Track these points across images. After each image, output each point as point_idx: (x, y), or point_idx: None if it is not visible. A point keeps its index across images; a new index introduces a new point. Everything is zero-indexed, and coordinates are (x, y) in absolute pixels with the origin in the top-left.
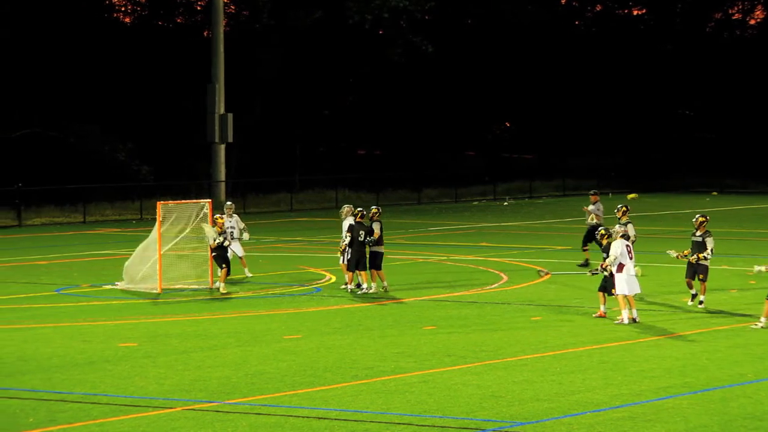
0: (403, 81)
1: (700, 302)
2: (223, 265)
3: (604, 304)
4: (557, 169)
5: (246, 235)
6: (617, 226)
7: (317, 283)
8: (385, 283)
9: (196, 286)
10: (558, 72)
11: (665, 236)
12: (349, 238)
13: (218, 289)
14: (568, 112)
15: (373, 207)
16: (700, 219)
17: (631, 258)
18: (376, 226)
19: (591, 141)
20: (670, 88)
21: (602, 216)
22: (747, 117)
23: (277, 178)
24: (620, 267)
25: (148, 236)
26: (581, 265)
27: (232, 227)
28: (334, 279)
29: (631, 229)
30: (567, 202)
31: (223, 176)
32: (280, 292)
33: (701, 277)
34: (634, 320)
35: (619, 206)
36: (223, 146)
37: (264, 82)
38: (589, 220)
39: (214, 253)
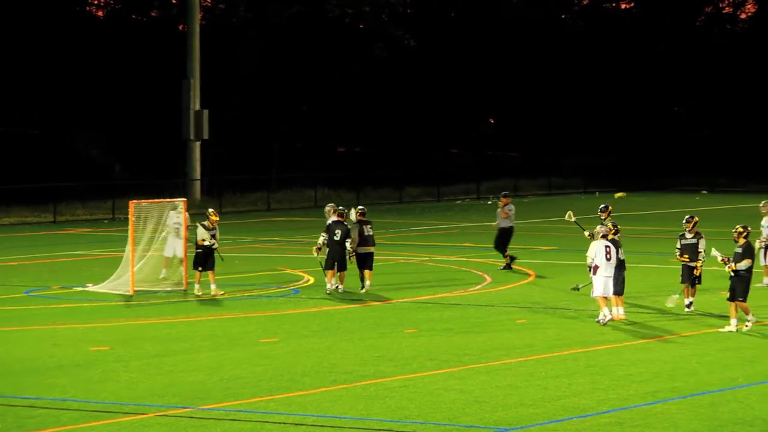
0: (385, 77)
1: (688, 306)
2: (200, 268)
3: (615, 305)
4: (543, 167)
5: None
6: (599, 226)
7: (295, 285)
8: (368, 283)
9: (170, 288)
10: (545, 68)
11: (653, 236)
12: (322, 238)
13: (196, 291)
14: (555, 109)
15: (360, 207)
16: (695, 219)
17: (609, 259)
18: (360, 228)
19: (578, 139)
20: (660, 85)
21: (512, 215)
22: (738, 114)
23: (255, 176)
24: (596, 269)
25: (122, 236)
26: (505, 267)
27: (178, 224)
28: (312, 280)
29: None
30: (553, 201)
31: (198, 174)
32: (256, 294)
33: (697, 281)
34: (611, 319)
35: (602, 206)
36: (198, 143)
37: (241, 77)
38: (501, 222)
39: (199, 250)
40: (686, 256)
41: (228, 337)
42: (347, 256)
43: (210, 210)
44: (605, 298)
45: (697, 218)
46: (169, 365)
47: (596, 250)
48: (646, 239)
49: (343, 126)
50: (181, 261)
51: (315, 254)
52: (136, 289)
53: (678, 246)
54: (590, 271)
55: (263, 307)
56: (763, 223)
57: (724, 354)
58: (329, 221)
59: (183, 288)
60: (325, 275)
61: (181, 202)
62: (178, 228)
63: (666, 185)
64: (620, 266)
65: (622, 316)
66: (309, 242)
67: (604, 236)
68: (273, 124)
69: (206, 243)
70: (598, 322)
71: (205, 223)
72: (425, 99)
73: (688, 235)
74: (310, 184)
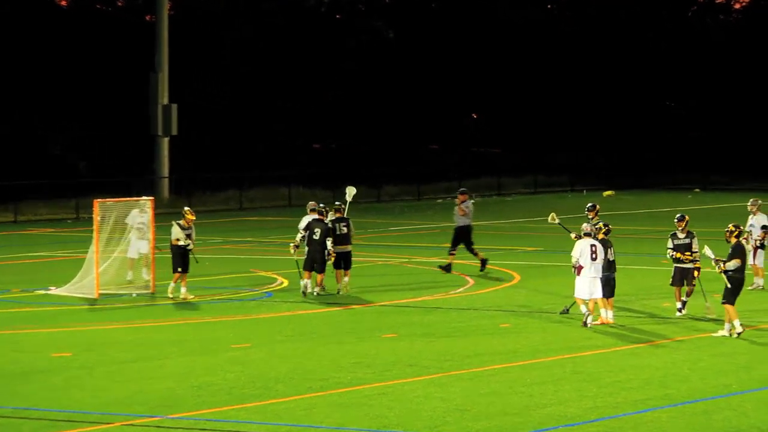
0: (363, 70)
1: (682, 309)
2: (180, 269)
3: (604, 308)
4: (528, 164)
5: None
6: (585, 225)
7: (268, 288)
8: (346, 279)
9: (138, 291)
10: (530, 59)
11: (643, 236)
12: (300, 235)
13: (170, 292)
14: (541, 103)
15: (336, 203)
16: (687, 218)
17: (594, 259)
18: (332, 227)
19: (565, 135)
20: (651, 80)
21: (469, 213)
22: (733, 111)
23: (226, 174)
24: (579, 269)
25: (86, 236)
26: (442, 267)
27: (142, 223)
28: (286, 283)
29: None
30: (538, 199)
31: (166, 172)
32: (228, 297)
33: (694, 282)
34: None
35: (590, 205)
36: (166, 139)
37: (212, 71)
38: (459, 220)
39: (180, 251)
40: (688, 254)
41: (198, 342)
42: (327, 257)
43: (186, 209)
44: (592, 300)
45: (688, 217)
46: (136, 372)
47: (581, 250)
48: (636, 239)
49: (318, 121)
50: (148, 262)
51: (292, 252)
52: (101, 292)
53: (670, 246)
54: (574, 271)
55: (235, 311)
56: (751, 221)
57: (718, 360)
58: (308, 219)
59: (151, 291)
60: (301, 276)
61: (148, 200)
62: (142, 228)
63: (657, 183)
64: (610, 267)
65: (611, 320)
66: (283, 243)
67: (588, 234)
68: (245, 120)
69: (181, 243)
70: (584, 325)
71: (181, 222)
72: (404, 92)
73: (681, 235)
74: (284, 182)
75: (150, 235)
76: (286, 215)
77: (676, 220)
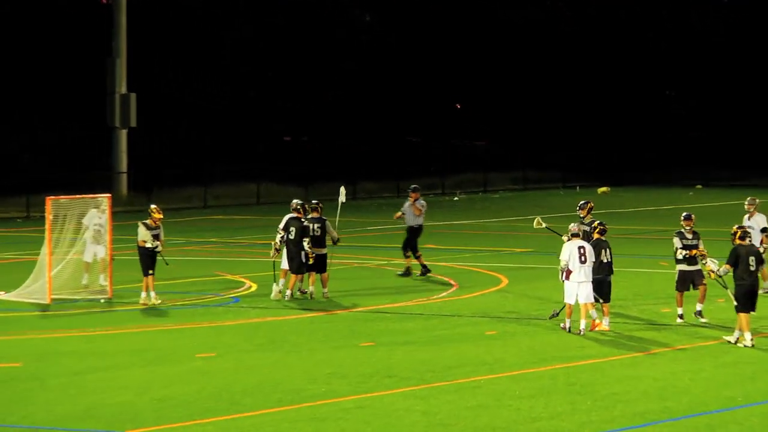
0: (339, 56)
1: (700, 315)
2: (150, 272)
3: (597, 314)
4: (516, 158)
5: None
6: (572, 225)
7: (235, 292)
8: (311, 289)
9: (93, 297)
10: (528, 59)
11: (641, 236)
12: (279, 236)
13: (143, 299)
14: (531, 93)
15: (314, 201)
16: (694, 217)
17: (584, 262)
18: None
19: (557, 127)
20: (650, 80)
21: (423, 212)
22: (733, 105)
23: (189, 169)
24: (568, 273)
25: (37, 237)
26: (402, 275)
27: (99, 224)
28: (254, 287)
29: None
30: (528, 196)
31: (125, 167)
32: (191, 303)
33: (704, 281)
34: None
35: (582, 202)
36: (125, 132)
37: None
38: (410, 220)
39: (152, 254)
40: (700, 250)
41: (159, 351)
42: (304, 258)
43: (152, 207)
44: (584, 306)
45: (694, 216)
46: (91, 384)
47: (569, 252)
48: (633, 239)
49: (289, 112)
50: (105, 266)
51: (271, 255)
52: (53, 297)
53: (679, 245)
54: (562, 275)
55: (199, 318)
56: (749, 222)
57: (722, 370)
58: (286, 218)
59: (108, 296)
60: (276, 279)
61: (105, 198)
62: (99, 230)
63: (656, 179)
64: (606, 270)
65: (606, 327)
66: (252, 244)
67: (576, 235)
68: (210, 111)
69: (148, 245)
70: (579, 333)
71: (147, 221)
72: (381, 81)
73: (689, 235)
74: (252, 178)
75: (108, 238)
76: (255, 213)
77: (683, 219)
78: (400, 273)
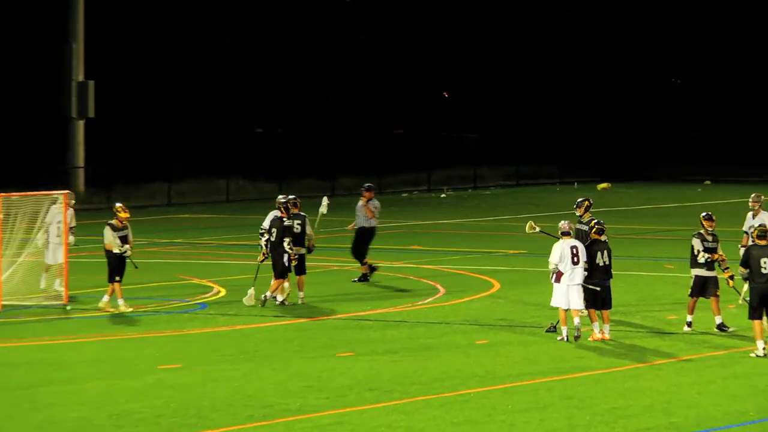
0: (314, 38)
1: (724, 326)
2: (118, 278)
3: (596, 321)
4: (509, 152)
5: (71, 239)
6: (563, 222)
7: (202, 298)
8: (300, 294)
9: (48, 302)
10: (528, 59)
11: (645, 236)
12: (263, 239)
13: (119, 306)
14: (525, 81)
15: (291, 196)
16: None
17: (576, 263)
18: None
19: (554, 118)
20: (647, 70)
21: (377, 214)
22: (732, 103)
23: (153, 164)
24: (559, 276)
25: None
26: (359, 280)
27: (61, 223)
28: (223, 292)
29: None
30: (521, 193)
31: (81, 161)
32: (154, 309)
33: (718, 292)
34: (576, 338)
35: (579, 200)
36: (82, 122)
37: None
38: (362, 221)
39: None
40: (720, 255)
41: (119, 362)
42: (287, 260)
43: (118, 205)
44: (574, 311)
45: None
46: (46, 398)
47: (560, 252)
48: (636, 240)
49: (261, 102)
50: (61, 270)
51: (259, 260)
52: (4, 302)
53: (700, 248)
54: (552, 277)
55: (163, 326)
56: (753, 222)
57: (732, 382)
58: (270, 216)
59: (63, 302)
60: (254, 283)
61: (61, 195)
62: (61, 228)
63: (661, 175)
64: (605, 273)
65: (607, 336)
66: (220, 245)
67: (567, 234)
68: (175, 100)
69: (115, 251)
70: (562, 339)
71: (113, 222)
72: (361, 68)
73: (709, 237)
74: (221, 174)
75: (64, 236)
76: (223, 212)
77: (704, 219)
78: (356, 279)
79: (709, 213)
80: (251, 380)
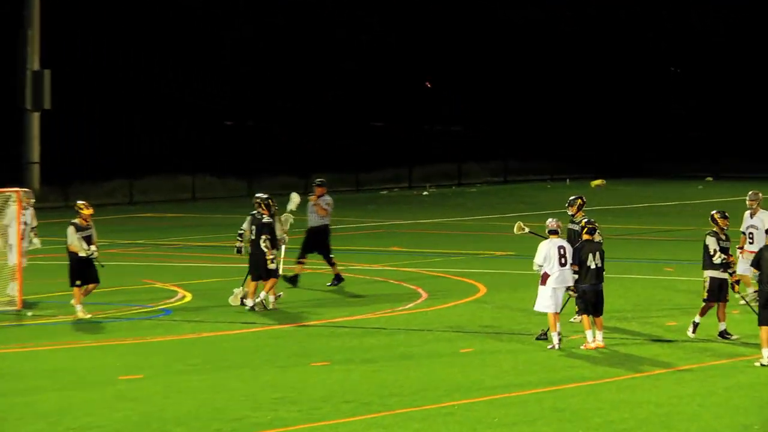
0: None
1: (727, 334)
2: (79, 282)
3: (590, 328)
4: (497, 146)
5: (36, 241)
6: (550, 220)
7: (166, 303)
8: (268, 295)
9: (1, 308)
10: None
11: (642, 237)
12: (240, 239)
13: (78, 313)
14: (515, 71)
15: (259, 194)
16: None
17: (563, 265)
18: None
19: (545, 110)
20: (650, 80)
21: (330, 211)
22: (733, 103)
23: (113, 159)
24: (545, 277)
25: None
26: (288, 279)
27: (26, 223)
28: (189, 297)
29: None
30: (510, 190)
31: (37, 156)
32: (114, 316)
33: (727, 298)
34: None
35: (572, 198)
36: (37, 115)
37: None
38: (316, 220)
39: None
40: (732, 256)
41: (77, 373)
42: (268, 260)
43: (80, 203)
44: (556, 315)
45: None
46: None
47: (546, 253)
48: (632, 241)
49: (231, 92)
50: (13, 273)
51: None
52: None
53: (716, 247)
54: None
55: (124, 333)
56: (751, 221)
57: (735, 393)
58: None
59: (17, 308)
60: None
61: (13, 192)
62: (24, 228)
63: (659, 171)
64: (596, 278)
65: (601, 344)
66: (186, 246)
67: (555, 233)
68: (136, 91)
69: (81, 254)
70: (552, 348)
71: (76, 221)
72: (337, 55)
73: (722, 236)
74: (187, 170)
75: (18, 237)
76: (189, 211)
77: (720, 217)
78: (330, 284)
79: (723, 210)
80: (219, 392)
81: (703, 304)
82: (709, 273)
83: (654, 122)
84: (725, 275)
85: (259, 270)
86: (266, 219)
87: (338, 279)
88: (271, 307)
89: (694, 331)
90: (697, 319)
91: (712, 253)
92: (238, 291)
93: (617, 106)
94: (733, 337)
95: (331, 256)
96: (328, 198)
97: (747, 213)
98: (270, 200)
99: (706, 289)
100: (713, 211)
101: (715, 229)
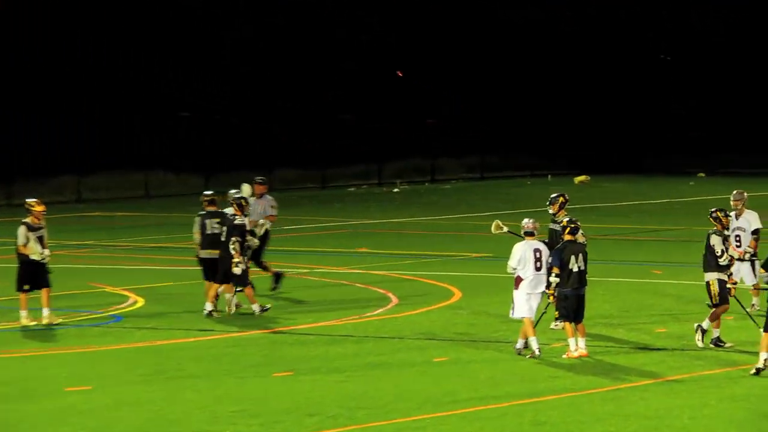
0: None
1: (720, 342)
2: (27, 287)
3: (573, 336)
4: (472, 140)
5: None
6: (526, 220)
7: (116, 309)
8: (228, 297)
9: None
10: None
11: (629, 237)
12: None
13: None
14: (496, 61)
15: (207, 192)
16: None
17: (539, 269)
18: (202, 223)
19: (524, 101)
20: (650, 80)
21: (275, 213)
22: (733, 103)
23: (60, 154)
24: (518, 281)
25: None
26: (276, 284)
27: None
28: (141, 302)
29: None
30: (486, 187)
31: None
32: (60, 323)
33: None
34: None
35: (553, 196)
36: None
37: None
38: (259, 227)
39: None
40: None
41: (19, 384)
42: (233, 264)
43: (31, 201)
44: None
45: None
46: None
47: (520, 255)
48: (618, 241)
49: (185, 83)
50: None
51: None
52: None
53: (722, 248)
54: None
55: (70, 341)
56: (737, 223)
57: (729, 405)
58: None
59: None
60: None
61: None
62: None
63: (649, 166)
64: (578, 282)
65: (584, 352)
66: (137, 248)
67: (530, 234)
68: (86, 79)
69: (34, 257)
70: (533, 356)
71: (28, 220)
72: (300, 41)
73: (726, 232)
74: (139, 166)
75: None
76: (142, 210)
77: (723, 215)
78: (273, 288)
79: (725, 209)
80: (173, 404)
81: (712, 310)
82: (715, 275)
83: (654, 122)
84: (725, 277)
85: (227, 273)
86: (239, 220)
87: (278, 280)
88: (232, 312)
89: (702, 342)
90: (716, 332)
91: (719, 253)
92: (229, 297)
93: (617, 105)
94: (727, 345)
95: (262, 259)
96: (270, 199)
97: (732, 214)
98: (243, 200)
99: (716, 294)
100: (716, 209)
101: (718, 228)
